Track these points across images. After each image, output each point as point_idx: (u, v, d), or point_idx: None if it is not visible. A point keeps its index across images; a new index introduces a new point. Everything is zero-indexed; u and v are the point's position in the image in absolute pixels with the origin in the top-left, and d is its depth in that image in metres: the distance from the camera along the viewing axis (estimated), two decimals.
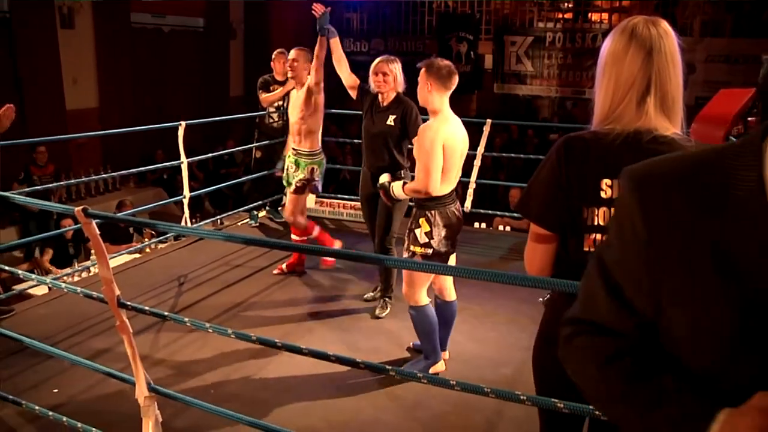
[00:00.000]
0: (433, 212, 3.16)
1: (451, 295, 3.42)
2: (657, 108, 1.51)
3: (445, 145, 3.10)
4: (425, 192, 3.12)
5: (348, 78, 4.19)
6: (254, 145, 6.06)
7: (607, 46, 1.57)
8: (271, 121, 6.00)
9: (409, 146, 3.95)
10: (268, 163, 5.92)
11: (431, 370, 3.31)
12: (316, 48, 4.16)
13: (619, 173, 1.49)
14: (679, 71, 1.53)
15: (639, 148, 1.49)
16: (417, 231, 3.18)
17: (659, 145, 1.49)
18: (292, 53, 4.54)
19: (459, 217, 3.25)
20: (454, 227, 3.21)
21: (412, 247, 3.20)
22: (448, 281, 3.42)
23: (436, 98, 3.16)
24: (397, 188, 3.37)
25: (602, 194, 1.52)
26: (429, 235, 3.15)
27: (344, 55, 4.21)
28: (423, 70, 3.18)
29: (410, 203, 3.52)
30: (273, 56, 5.78)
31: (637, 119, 1.52)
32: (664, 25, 1.53)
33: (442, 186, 3.14)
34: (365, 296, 4.27)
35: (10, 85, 8.40)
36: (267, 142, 5.93)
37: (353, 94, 4.17)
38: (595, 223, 1.53)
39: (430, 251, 3.15)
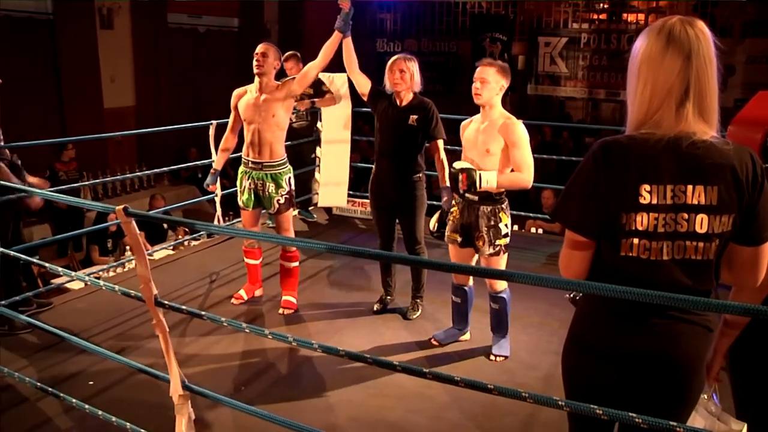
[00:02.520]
0: (506, 205, 3.38)
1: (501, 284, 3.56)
2: (695, 113, 1.49)
3: None
4: (526, 186, 3.29)
5: (362, 81, 3.91)
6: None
7: (641, 47, 1.54)
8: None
9: (426, 144, 3.88)
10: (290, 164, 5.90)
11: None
12: (329, 45, 3.79)
13: (659, 179, 1.48)
14: (715, 73, 1.51)
15: (679, 152, 1.48)
16: (501, 225, 3.36)
17: (698, 150, 1.48)
18: (261, 47, 3.89)
19: None
20: None
21: (497, 242, 3.37)
22: None
23: (499, 96, 3.32)
24: (491, 178, 3.22)
25: (641, 200, 1.49)
26: (508, 226, 3.38)
27: (355, 56, 3.89)
28: (495, 69, 3.28)
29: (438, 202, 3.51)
30: (284, 57, 5.77)
31: (676, 125, 1.50)
32: (700, 25, 1.51)
33: None
34: (374, 308, 4.10)
35: (51, 83, 8.61)
36: (289, 143, 5.88)
37: (366, 98, 3.95)
38: (633, 228, 1.51)
39: (508, 240, 3.41)
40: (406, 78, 3.72)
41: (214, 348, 3.60)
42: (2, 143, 3.79)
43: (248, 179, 3.98)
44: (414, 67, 3.76)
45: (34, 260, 2.99)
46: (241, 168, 4.03)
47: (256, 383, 3.26)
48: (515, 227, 6.52)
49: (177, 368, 2.31)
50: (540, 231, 6.60)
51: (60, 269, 2.88)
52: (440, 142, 3.79)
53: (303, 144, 6.02)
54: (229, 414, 2.86)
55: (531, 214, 6.15)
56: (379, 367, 1.97)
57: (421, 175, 3.88)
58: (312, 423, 2.22)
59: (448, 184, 3.51)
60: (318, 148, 6.35)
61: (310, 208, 6.26)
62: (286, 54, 5.66)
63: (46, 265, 2.86)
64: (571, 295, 2.08)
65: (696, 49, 1.48)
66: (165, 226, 7.20)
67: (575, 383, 1.73)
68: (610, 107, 12.29)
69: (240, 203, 4.06)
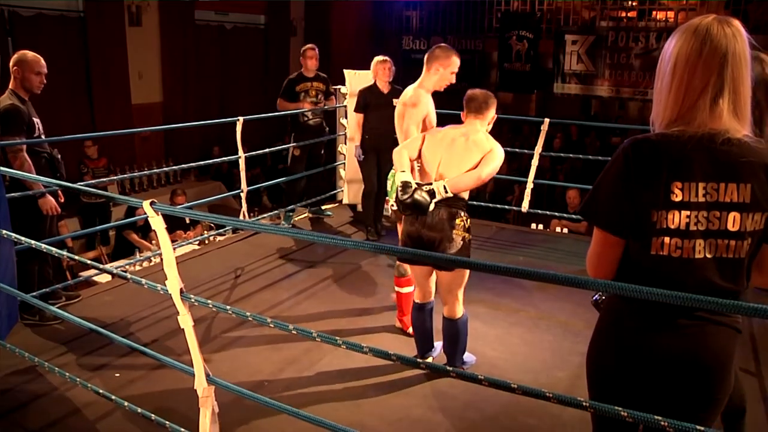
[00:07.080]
0: None
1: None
2: (730, 111, 1.49)
3: None
4: None
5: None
6: (294, 144, 5.93)
7: (677, 46, 1.53)
8: (306, 119, 5.92)
9: None
10: (301, 164, 5.94)
11: None
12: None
13: (691, 176, 1.47)
14: (749, 72, 1.51)
15: (712, 150, 1.47)
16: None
17: (732, 147, 1.47)
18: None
19: None
20: None
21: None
22: None
23: None
24: None
25: (673, 197, 1.48)
26: None
27: None
28: None
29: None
30: (302, 51, 5.81)
31: (709, 122, 1.49)
32: (736, 23, 1.51)
33: None
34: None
35: (81, 80, 8.76)
36: (305, 142, 5.89)
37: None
38: (665, 227, 1.49)
39: None
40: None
41: (238, 342, 3.63)
42: (43, 137, 3.85)
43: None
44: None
45: (65, 253, 3.04)
46: None
47: (279, 378, 3.28)
48: (539, 226, 6.52)
49: (202, 362, 2.33)
50: (565, 230, 6.55)
51: (89, 262, 2.92)
52: None
53: (317, 143, 6.02)
54: (253, 408, 2.88)
55: (556, 214, 6.10)
56: (402, 364, 1.97)
57: None
58: (335, 419, 2.23)
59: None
60: (342, 146, 6.37)
61: (330, 206, 6.30)
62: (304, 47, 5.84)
63: (76, 257, 2.90)
64: (595, 298, 2.06)
65: (733, 48, 1.47)
66: (187, 219, 7.28)
67: (601, 383, 1.71)
68: (637, 106, 12.13)
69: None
